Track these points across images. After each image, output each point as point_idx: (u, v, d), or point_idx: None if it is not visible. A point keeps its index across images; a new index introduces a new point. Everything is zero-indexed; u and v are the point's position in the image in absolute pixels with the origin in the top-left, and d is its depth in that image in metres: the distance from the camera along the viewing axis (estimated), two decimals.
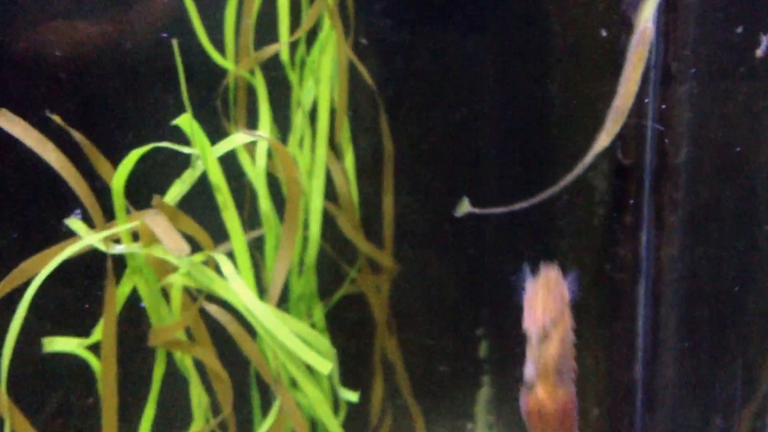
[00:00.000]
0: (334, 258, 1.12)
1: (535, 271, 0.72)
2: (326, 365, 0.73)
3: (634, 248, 0.93)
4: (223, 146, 0.81)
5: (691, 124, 0.92)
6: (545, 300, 0.69)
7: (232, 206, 0.82)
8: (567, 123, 1.06)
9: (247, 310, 0.76)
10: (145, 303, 0.83)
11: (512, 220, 1.19)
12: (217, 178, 0.81)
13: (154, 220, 0.75)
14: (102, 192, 0.85)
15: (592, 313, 0.98)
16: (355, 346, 1.20)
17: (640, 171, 0.92)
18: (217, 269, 0.80)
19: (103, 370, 0.80)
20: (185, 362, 0.85)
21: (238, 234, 0.82)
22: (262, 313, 0.73)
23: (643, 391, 0.97)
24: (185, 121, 0.79)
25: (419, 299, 1.38)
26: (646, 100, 0.88)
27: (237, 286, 0.74)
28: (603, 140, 0.85)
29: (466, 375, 1.48)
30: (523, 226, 1.13)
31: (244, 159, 1.03)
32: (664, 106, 0.91)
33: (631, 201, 0.93)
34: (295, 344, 0.73)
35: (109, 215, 0.84)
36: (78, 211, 0.79)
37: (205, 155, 0.80)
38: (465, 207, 0.91)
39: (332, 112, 1.06)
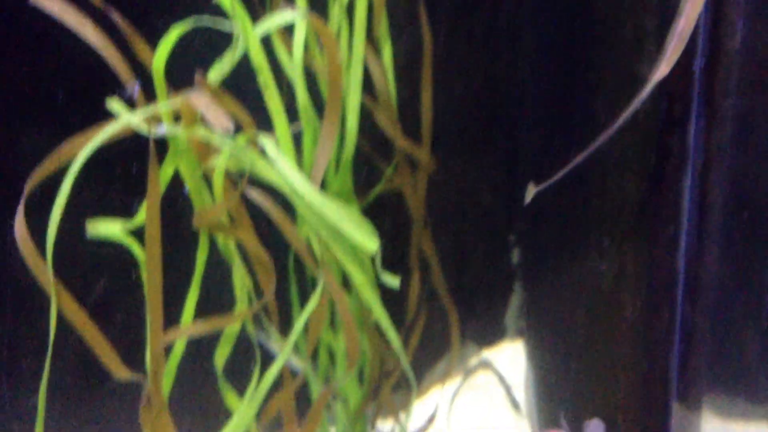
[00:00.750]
0: (371, 156, 1.11)
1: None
2: (372, 243, 0.73)
3: (682, 138, 0.91)
4: (265, 25, 0.79)
5: (747, 7, 0.88)
6: None
7: (273, 86, 0.80)
8: (612, 13, 1.01)
9: (291, 190, 0.75)
10: (188, 186, 0.83)
11: (552, 121, 1.16)
12: (258, 58, 0.80)
13: (197, 98, 0.74)
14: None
15: (635, 204, 0.97)
16: (389, 249, 1.19)
17: (690, 57, 0.89)
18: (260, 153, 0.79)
19: (148, 253, 0.80)
20: (228, 246, 0.85)
21: (279, 114, 0.81)
22: (309, 192, 0.73)
23: (684, 282, 0.96)
24: None
25: (453, 205, 1.38)
26: None
27: (282, 165, 0.74)
28: (663, 70, 0.80)
29: (498, 281, 1.49)
30: (564, 126, 1.10)
31: (280, 51, 1.01)
32: None
33: (681, 89, 0.90)
34: (342, 222, 0.72)
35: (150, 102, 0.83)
36: (136, 84, 0.78)
37: (246, 34, 0.78)
38: (531, 194, 0.88)
39: (370, 6, 1.03)
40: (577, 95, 1.07)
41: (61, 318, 0.78)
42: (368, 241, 0.72)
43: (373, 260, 0.94)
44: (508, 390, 1.43)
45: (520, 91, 1.29)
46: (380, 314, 0.81)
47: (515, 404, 1.40)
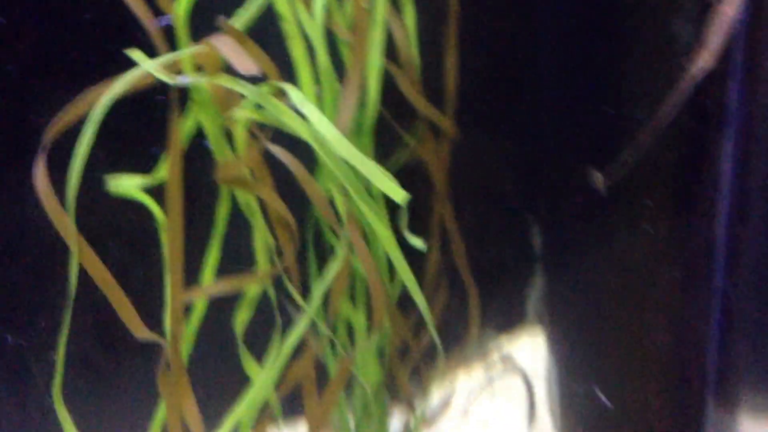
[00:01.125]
0: (393, 124, 1.08)
1: None
2: (401, 194, 0.70)
3: (721, 98, 0.87)
4: None
5: None
6: None
7: (298, 36, 0.78)
8: None
9: (317, 141, 0.72)
10: (210, 139, 0.80)
11: (578, 91, 1.13)
12: (283, 6, 0.77)
13: (220, 42, 0.71)
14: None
15: (669, 171, 0.93)
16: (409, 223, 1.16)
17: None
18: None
19: (169, 210, 0.78)
20: (250, 203, 0.82)
21: (303, 64, 0.78)
22: (336, 139, 0.70)
23: (724, 252, 0.92)
24: None
25: (471, 185, 1.35)
26: None
27: (308, 111, 0.71)
28: (706, 59, 0.76)
29: (518, 264, 1.45)
30: (590, 96, 1.07)
31: (301, 12, 0.98)
32: None
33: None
34: (371, 171, 0.69)
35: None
36: (166, 18, 0.75)
37: None
38: (600, 181, 0.85)
39: None
40: (605, 62, 1.03)
41: (80, 283, 0.76)
42: (397, 191, 0.69)
43: (397, 218, 0.91)
44: (529, 389, 1.40)
45: (544, 59, 1.25)
46: (405, 272, 0.78)
47: (532, 407, 1.36)
